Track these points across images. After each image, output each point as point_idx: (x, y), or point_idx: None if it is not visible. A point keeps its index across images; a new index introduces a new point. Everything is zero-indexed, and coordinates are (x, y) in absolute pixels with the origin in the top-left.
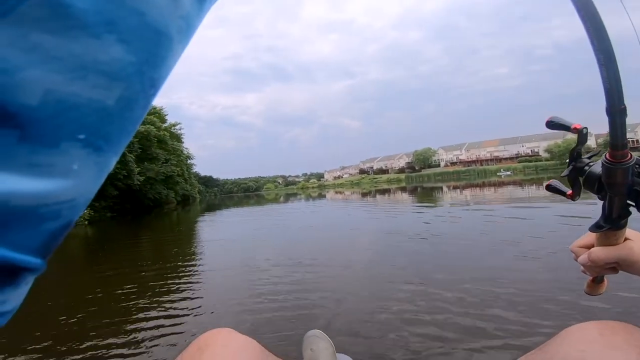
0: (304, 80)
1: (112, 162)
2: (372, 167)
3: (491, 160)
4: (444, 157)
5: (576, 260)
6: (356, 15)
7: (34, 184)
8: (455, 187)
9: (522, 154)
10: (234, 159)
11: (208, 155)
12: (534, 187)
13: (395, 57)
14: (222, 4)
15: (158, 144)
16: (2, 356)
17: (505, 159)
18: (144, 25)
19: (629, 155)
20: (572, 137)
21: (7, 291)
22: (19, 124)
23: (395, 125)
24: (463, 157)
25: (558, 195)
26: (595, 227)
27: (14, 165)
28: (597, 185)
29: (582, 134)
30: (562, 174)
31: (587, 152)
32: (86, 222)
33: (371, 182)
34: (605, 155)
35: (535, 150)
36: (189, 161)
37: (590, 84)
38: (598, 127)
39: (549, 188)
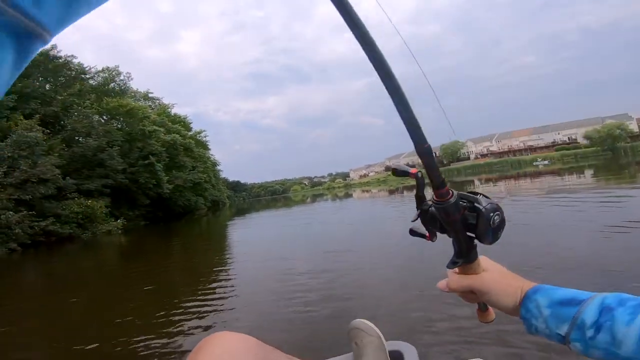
0: (322, 81)
1: None
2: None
3: (525, 150)
4: (473, 149)
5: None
6: (368, 13)
7: None
8: (488, 180)
9: (559, 142)
10: (260, 163)
11: (235, 160)
12: (578, 175)
13: (416, 51)
14: (237, 9)
15: (185, 152)
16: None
17: (541, 147)
18: None
19: (450, 192)
20: (611, 121)
21: None
22: None
23: (419, 121)
24: (494, 148)
25: (422, 239)
26: (451, 264)
27: None
28: (439, 224)
29: (418, 178)
30: (412, 220)
31: (630, 137)
32: (119, 232)
33: (397, 179)
34: (433, 196)
35: (573, 137)
36: (216, 167)
37: (625, 69)
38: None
39: (412, 233)
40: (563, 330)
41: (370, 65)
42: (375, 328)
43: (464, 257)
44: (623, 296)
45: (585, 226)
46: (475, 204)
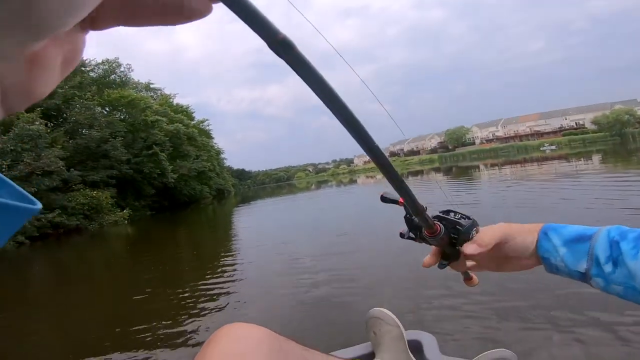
0: (325, 68)
1: None
2: (402, 150)
3: (531, 135)
4: (478, 134)
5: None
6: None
7: None
8: (494, 165)
9: (566, 127)
10: (264, 151)
11: (239, 149)
12: (586, 160)
13: (418, 37)
14: None
15: (188, 141)
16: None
17: (547, 133)
18: None
19: (438, 229)
20: (620, 107)
21: None
22: None
23: (424, 107)
24: (499, 133)
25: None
26: (442, 265)
27: None
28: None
29: (406, 206)
30: (405, 237)
31: (639, 123)
32: (126, 222)
33: (402, 164)
34: (424, 231)
35: (581, 122)
36: (220, 156)
37: (634, 57)
38: None
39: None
40: (582, 267)
41: (376, 53)
42: (394, 317)
43: (452, 259)
44: (622, 228)
45: (600, 207)
46: (457, 227)
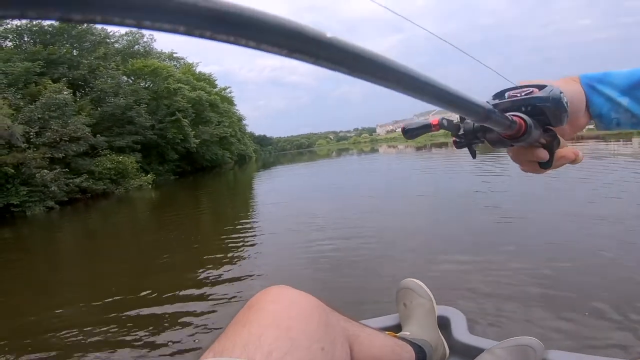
0: (351, 38)
1: None
2: (427, 120)
3: None
4: None
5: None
6: None
7: None
8: None
9: None
10: (286, 118)
11: (260, 115)
12: (625, 143)
13: (450, 8)
14: None
15: (210, 108)
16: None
17: None
18: None
19: (523, 123)
20: None
21: None
22: None
23: (454, 79)
24: None
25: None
26: (546, 165)
27: None
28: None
29: (442, 125)
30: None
31: None
32: (150, 186)
33: (426, 135)
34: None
35: None
36: (241, 122)
37: None
38: None
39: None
40: None
41: (403, 23)
42: (428, 289)
43: (554, 149)
44: None
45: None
46: (543, 104)
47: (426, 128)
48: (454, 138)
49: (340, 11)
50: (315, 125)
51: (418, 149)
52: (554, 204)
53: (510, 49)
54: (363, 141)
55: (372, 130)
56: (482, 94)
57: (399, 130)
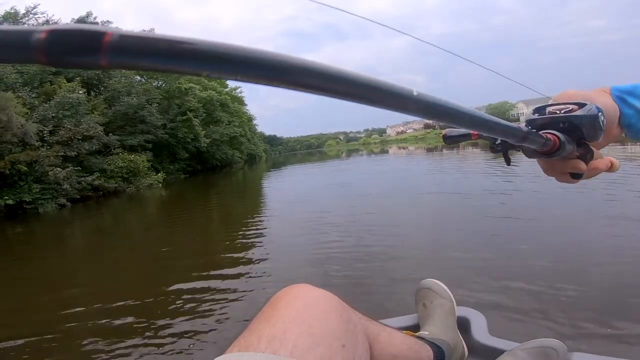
0: (361, 37)
1: None
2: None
3: None
4: (524, 110)
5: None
6: None
7: None
8: None
9: None
10: (296, 118)
11: (271, 115)
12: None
13: (461, 9)
14: None
15: (221, 108)
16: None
17: None
18: None
19: (557, 140)
20: None
21: None
22: None
23: (465, 80)
24: None
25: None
26: (577, 176)
27: None
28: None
29: (482, 135)
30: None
31: None
32: (160, 185)
33: (437, 137)
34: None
35: None
36: (251, 122)
37: None
38: None
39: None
40: None
41: (413, 23)
42: (448, 290)
43: (588, 160)
44: None
45: None
46: (580, 122)
47: (467, 136)
48: (490, 145)
49: (350, 10)
50: (325, 126)
51: (429, 150)
52: (575, 204)
53: (525, 50)
54: (373, 142)
55: (382, 131)
56: (492, 91)
57: (410, 131)
